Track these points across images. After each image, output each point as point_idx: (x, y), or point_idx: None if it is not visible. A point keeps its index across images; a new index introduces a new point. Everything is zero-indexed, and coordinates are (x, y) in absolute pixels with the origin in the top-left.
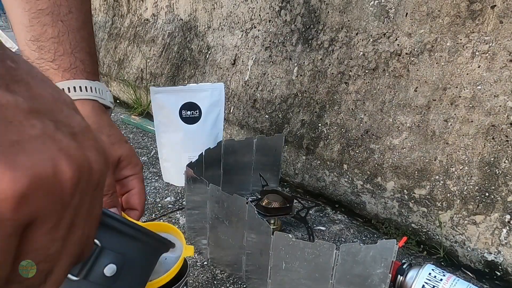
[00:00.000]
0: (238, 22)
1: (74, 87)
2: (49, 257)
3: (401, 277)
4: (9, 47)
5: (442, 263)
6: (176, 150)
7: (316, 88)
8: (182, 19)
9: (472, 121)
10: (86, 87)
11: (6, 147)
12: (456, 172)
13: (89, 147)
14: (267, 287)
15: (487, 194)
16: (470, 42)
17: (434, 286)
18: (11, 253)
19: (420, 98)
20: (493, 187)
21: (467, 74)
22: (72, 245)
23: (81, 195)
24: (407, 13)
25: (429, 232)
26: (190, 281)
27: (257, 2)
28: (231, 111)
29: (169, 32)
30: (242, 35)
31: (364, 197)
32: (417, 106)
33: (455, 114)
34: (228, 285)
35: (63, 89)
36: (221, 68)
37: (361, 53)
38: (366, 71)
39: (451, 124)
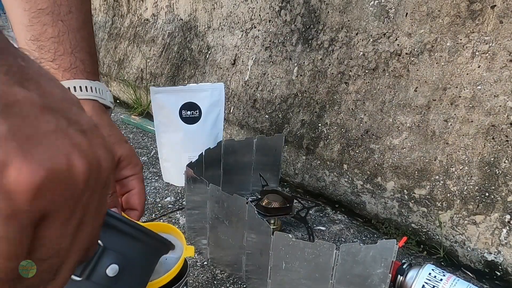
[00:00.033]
0: (238, 22)
1: (74, 87)
2: (60, 253)
3: (401, 277)
4: None
5: (442, 263)
6: (176, 150)
7: (316, 88)
8: (182, 19)
9: (472, 121)
10: (86, 87)
11: (23, 141)
12: (456, 172)
13: (98, 145)
14: (267, 287)
15: (487, 194)
16: (470, 42)
17: (434, 286)
18: (25, 246)
19: (420, 98)
20: (493, 187)
21: (467, 74)
22: (81, 241)
23: (91, 192)
24: (407, 13)
25: (429, 232)
26: (190, 281)
27: (257, 2)
28: (231, 111)
29: (169, 32)
30: (242, 35)
31: (364, 197)
32: (417, 106)
33: (455, 114)
34: (228, 285)
35: None
36: (221, 68)
37: (361, 53)
38: (366, 71)
39: (451, 124)
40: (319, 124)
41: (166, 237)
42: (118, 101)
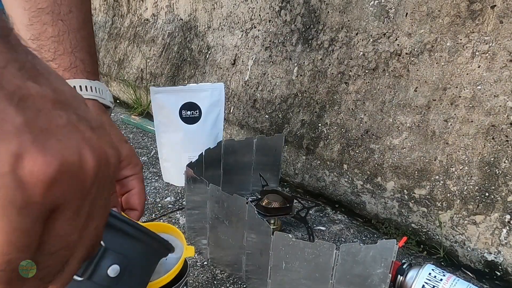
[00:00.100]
0: (238, 22)
1: (74, 87)
2: (68, 246)
3: (401, 277)
4: None
5: (442, 263)
6: (176, 150)
7: (316, 88)
8: (182, 19)
9: (472, 121)
10: (86, 86)
11: (37, 133)
12: (456, 172)
13: (106, 142)
14: (267, 287)
15: (487, 194)
16: (470, 42)
17: (434, 286)
18: (37, 237)
19: (420, 98)
20: (493, 187)
21: (467, 74)
22: (87, 236)
23: (99, 187)
24: (407, 13)
25: (429, 232)
26: (190, 281)
27: (257, 2)
28: (231, 111)
29: (169, 32)
30: (242, 35)
31: (364, 197)
32: (417, 106)
33: (455, 114)
34: (228, 285)
35: None
36: (221, 68)
37: (361, 53)
38: (366, 71)
39: (451, 124)
40: (319, 124)
41: (166, 237)
42: (118, 101)
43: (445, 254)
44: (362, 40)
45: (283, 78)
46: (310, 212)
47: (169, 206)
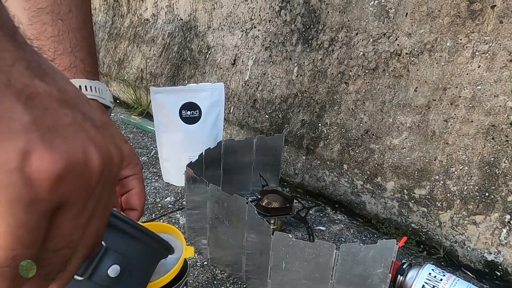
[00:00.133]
0: (238, 22)
1: None
2: (71, 244)
3: (401, 277)
4: None
5: (442, 263)
6: (176, 150)
7: (316, 88)
8: (182, 19)
9: (472, 121)
10: (86, 86)
11: (44, 131)
12: (456, 172)
13: (110, 141)
14: (267, 287)
15: (487, 194)
16: (470, 42)
17: (434, 286)
18: (42, 234)
19: (420, 98)
20: (493, 187)
21: (467, 74)
22: (89, 235)
23: (103, 186)
24: (407, 13)
25: (429, 232)
26: (190, 281)
27: (257, 2)
28: (231, 111)
29: (169, 32)
30: (242, 35)
31: (364, 197)
32: (417, 106)
33: (455, 114)
34: (228, 285)
35: None
36: (221, 68)
37: (361, 53)
38: (366, 71)
39: (451, 124)
40: (319, 124)
41: (166, 238)
42: (118, 101)
43: (445, 254)
44: (362, 40)
45: (283, 78)
46: (310, 212)
47: (169, 206)
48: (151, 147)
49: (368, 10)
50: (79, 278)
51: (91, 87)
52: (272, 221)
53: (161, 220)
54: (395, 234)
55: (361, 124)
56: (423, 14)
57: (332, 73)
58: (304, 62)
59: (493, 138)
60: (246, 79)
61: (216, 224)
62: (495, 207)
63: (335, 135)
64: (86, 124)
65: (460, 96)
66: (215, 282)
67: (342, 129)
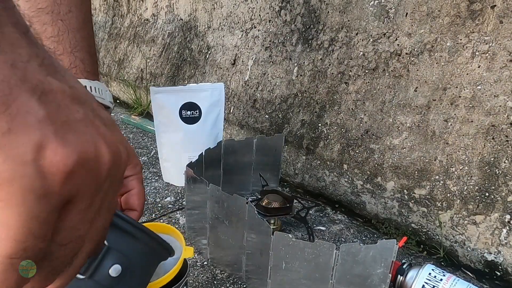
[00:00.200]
0: (238, 22)
1: None
2: (78, 238)
3: (401, 277)
4: None
5: (442, 263)
6: (176, 150)
7: (316, 88)
8: (182, 19)
9: (472, 121)
10: (85, 86)
11: (58, 126)
12: (456, 172)
13: (118, 138)
14: (267, 287)
15: (487, 194)
16: (470, 42)
17: (434, 286)
18: (52, 226)
19: (420, 98)
20: (493, 187)
21: (467, 74)
22: (95, 231)
23: (110, 183)
24: (407, 13)
25: (429, 232)
26: (190, 281)
27: (257, 2)
28: (231, 111)
29: (169, 32)
30: (242, 35)
31: (364, 197)
32: (417, 106)
33: (455, 114)
34: (228, 285)
35: None
36: (221, 68)
37: (361, 53)
38: (366, 71)
39: (451, 124)
40: (319, 124)
41: (165, 238)
42: (118, 101)
43: (445, 254)
44: (362, 40)
45: (283, 78)
46: (310, 212)
47: (169, 206)
48: (151, 147)
49: (368, 10)
50: (81, 276)
51: (91, 87)
52: (272, 221)
53: (161, 220)
54: (395, 234)
55: (361, 124)
56: (423, 14)
57: (332, 73)
58: (304, 62)
59: (493, 138)
60: (246, 79)
61: (216, 224)
62: (495, 207)
63: (335, 135)
64: (96, 120)
65: (460, 96)
66: (215, 282)
67: (342, 129)
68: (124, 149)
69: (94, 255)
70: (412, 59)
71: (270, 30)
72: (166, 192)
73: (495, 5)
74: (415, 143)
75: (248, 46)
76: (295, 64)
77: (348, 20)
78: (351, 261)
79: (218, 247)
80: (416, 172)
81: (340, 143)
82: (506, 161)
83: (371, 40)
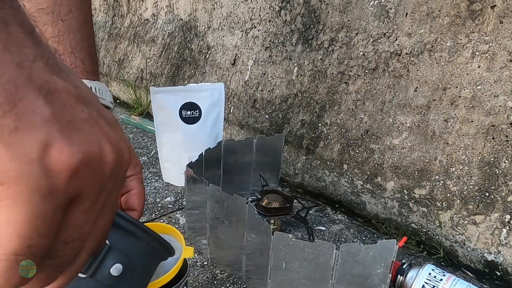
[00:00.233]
0: (238, 22)
1: None
2: (82, 237)
3: (401, 277)
4: None
5: (442, 263)
6: (176, 150)
7: (316, 88)
8: (182, 19)
9: (472, 121)
10: None
11: (64, 125)
12: (456, 172)
13: (121, 137)
14: (267, 287)
15: (487, 194)
16: (470, 42)
17: (434, 286)
18: (57, 224)
19: (420, 98)
20: (493, 187)
21: (467, 74)
22: (98, 230)
23: (113, 182)
24: (407, 13)
25: (429, 232)
26: (190, 281)
27: (257, 2)
28: (231, 111)
29: (169, 32)
30: (242, 35)
31: (364, 197)
32: (417, 106)
33: (455, 114)
34: (228, 285)
35: None
36: (221, 68)
37: (361, 53)
38: (366, 71)
39: (451, 124)
40: (319, 124)
41: (165, 238)
42: (118, 101)
43: (445, 254)
44: (362, 40)
45: (283, 78)
46: (310, 212)
47: (169, 206)
48: (151, 147)
49: (368, 10)
50: (82, 275)
51: (91, 87)
52: (272, 221)
53: (161, 220)
54: (395, 234)
55: (361, 124)
56: (423, 14)
57: (332, 73)
58: (304, 62)
59: (493, 138)
60: (246, 79)
61: (216, 224)
62: (495, 207)
63: (335, 135)
64: (100, 120)
65: (460, 96)
66: (215, 282)
67: (342, 129)
68: (126, 148)
69: (96, 254)
70: (412, 59)
71: (270, 30)
72: (166, 192)
73: (495, 5)
74: (415, 143)
75: (248, 46)
76: (295, 64)
77: (348, 20)
78: (351, 261)
79: (218, 247)
80: (416, 172)
81: (340, 143)
82: (506, 161)
83: (371, 40)
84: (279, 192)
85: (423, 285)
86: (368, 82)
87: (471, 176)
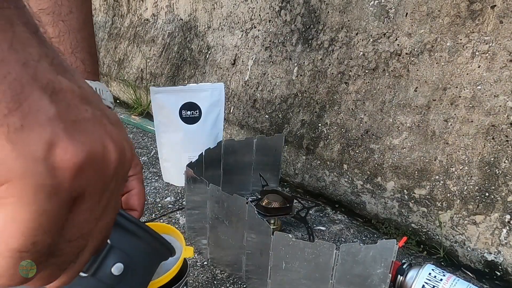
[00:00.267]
0: (238, 22)
1: None
2: (85, 235)
3: (401, 277)
4: None
5: (442, 263)
6: (176, 150)
7: (316, 88)
8: (182, 19)
9: (472, 121)
10: None
11: (68, 124)
12: (456, 172)
13: (123, 136)
14: (267, 287)
15: (487, 194)
16: (470, 42)
17: (434, 286)
18: (61, 222)
19: (420, 98)
20: (493, 187)
21: (467, 74)
22: (101, 229)
23: (116, 181)
24: (407, 13)
25: (429, 232)
26: (190, 281)
27: (257, 2)
28: (231, 111)
29: (169, 32)
30: (242, 35)
31: (364, 197)
32: (417, 106)
33: (455, 114)
34: (228, 285)
35: None
36: (221, 68)
37: (361, 53)
38: (366, 71)
39: (451, 124)
40: (319, 124)
41: (165, 238)
42: (118, 101)
43: (445, 254)
44: (362, 40)
45: (283, 78)
46: (310, 212)
47: (169, 206)
48: (151, 147)
49: (368, 10)
50: (84, 274)
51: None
52: (272, 221)
53: (161, 220)
54: (395, 234)
55: (361, 124)
56: (423, 14)
57: (332, 73)
58: (304, 62)
59: (493, 138)
60: (246, 79)
61: (216, 224)
62: (495, 207)
63: (335, 135)
64: (103, 119)
65: (460, 96)
66: (215, 282)
67: (342, 129)
68: (128, 147)
69: (98, 253)
70: (412, 59)
71: (270, 30)
72: (166, 192)
73: (495, 5)
74: (415, 143)
75: (248, 46)
76: (295, 64)
77: (348, 20)
78: (351, 261)
79: (218, 247)
80: (416, 172)
81: (340, 143)
82: (506, 161)
83: (371, 40)
84: (279, 192)
85: (423, 285)
86: (368, 82)
87: (471, 176)
